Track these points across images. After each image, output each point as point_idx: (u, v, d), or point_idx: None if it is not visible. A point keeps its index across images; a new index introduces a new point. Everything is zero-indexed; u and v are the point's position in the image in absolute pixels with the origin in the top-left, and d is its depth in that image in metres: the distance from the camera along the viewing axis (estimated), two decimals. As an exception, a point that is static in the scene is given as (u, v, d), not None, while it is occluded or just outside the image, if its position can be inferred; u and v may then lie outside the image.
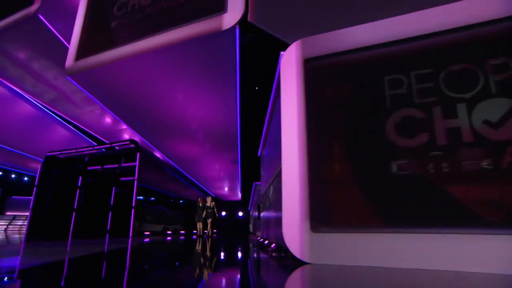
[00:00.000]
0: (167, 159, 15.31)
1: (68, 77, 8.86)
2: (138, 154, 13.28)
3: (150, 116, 11.34)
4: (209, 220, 13.05)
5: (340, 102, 4.53)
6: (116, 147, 14.82)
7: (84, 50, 8.84)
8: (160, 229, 15.24)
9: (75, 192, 16.53)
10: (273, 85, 6.42)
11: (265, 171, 9.29)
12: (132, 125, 12.08)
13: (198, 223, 13.25)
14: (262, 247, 7.02)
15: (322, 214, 4.29)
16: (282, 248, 5.29)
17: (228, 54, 8.51)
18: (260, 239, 9.51)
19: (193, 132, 12.71)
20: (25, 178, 25.94)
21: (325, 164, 4.33)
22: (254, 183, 12.92)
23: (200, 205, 13.35)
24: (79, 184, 16.61)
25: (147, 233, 14.00)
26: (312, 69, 4.76)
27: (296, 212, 4.31)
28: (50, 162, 15.87)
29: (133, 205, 12.86)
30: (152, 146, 13.82)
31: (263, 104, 9.51)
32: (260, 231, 9.38)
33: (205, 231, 13.42)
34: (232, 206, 32.49)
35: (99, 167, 16.26)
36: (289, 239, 4.21)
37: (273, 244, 6.01)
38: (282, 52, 5.14)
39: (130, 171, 16.75)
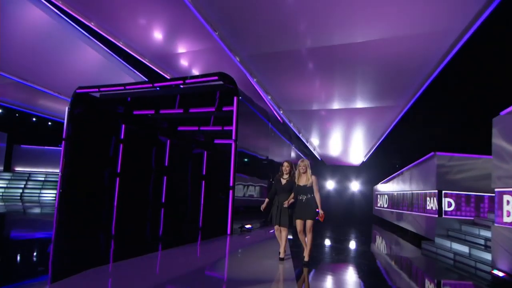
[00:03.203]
0: (270, 103, 11.17)
1: None
2: (235, 98, 9.65)
3: (265, 28, 7.09)
4: (309, 223, 5.94)
5: None
6: (182, 85, 10.46)
7: None
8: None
9: (116, 147, 13.05)
10: None
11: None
12: (230, 46, 7.83)
13: (279, 226, 6.18)
14: None
15: None
16: None
17: None
18: None
19: (338, 61, 8.52)
20: (33, 119, 21.56)
21: None
22: (434, 152, 8.46)
23: (284, 180, 6.22)
24: (121, 137, 13.34)
25: (248, 226, 9.90)
26: None
27: None
28: (81, 103, 12.40)
29: (231, 184, 9.48)
30: (255, 85, 9.42)
31: None
32: None
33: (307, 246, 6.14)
34: (343, 174, 25.95)
35: (152, 111, 12.92)
36: None
37: None
38: None
39: (202, 119, 12.50)
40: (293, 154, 15.11)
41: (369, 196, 20.83)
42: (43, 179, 20.93)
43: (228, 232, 9.23)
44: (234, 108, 9.56)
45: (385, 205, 15.06)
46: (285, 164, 6.28)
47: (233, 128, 9.58)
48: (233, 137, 9.58)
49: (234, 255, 7.11)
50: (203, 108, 11.69)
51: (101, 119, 12.69)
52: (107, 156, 12.76)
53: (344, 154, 21.57)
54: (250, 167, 11.48)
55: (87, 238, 7.76)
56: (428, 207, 9.54)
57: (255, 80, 9.84)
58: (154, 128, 13.80)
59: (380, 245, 10.20)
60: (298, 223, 6.01)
